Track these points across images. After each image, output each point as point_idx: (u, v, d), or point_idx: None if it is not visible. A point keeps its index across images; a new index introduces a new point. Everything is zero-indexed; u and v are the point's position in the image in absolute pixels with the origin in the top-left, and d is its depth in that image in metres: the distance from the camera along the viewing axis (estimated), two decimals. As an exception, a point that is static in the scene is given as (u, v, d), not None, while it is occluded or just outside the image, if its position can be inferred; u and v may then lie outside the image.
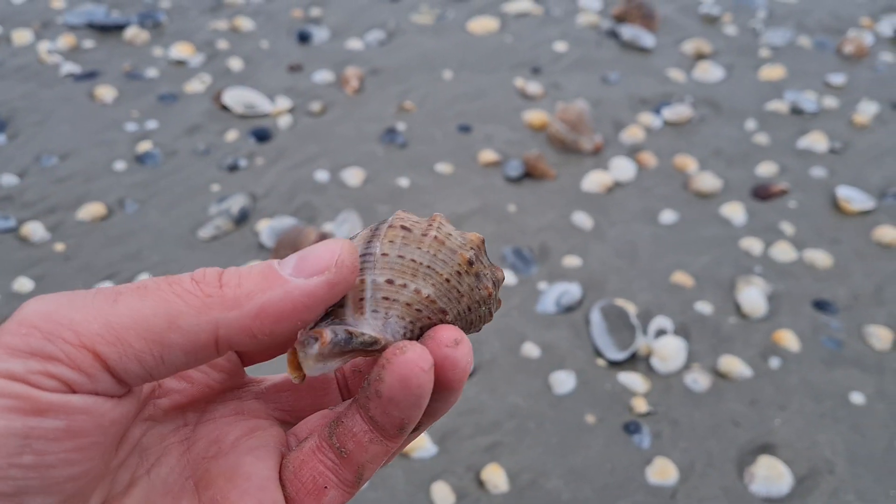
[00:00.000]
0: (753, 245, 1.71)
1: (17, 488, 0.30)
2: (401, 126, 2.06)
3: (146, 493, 0.37)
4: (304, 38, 2.45)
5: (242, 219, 1.76)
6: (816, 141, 2.01)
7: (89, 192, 1.85)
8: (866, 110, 2.14)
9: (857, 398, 1.40)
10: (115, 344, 0.31)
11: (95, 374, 0.31)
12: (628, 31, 2.42)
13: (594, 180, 1.87)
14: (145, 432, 0.38)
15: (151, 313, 0.32)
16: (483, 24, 2.50)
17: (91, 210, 1.78)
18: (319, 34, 2.47)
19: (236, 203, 1.77)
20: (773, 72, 2.29)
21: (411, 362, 0.34)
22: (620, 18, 2.49)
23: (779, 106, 2.16)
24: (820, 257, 1.68)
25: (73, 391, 0.30)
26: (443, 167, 1.92)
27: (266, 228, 1.71)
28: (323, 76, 2.26)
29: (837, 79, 2.27)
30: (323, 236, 1.64)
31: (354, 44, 2.42)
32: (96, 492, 0.34)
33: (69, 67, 2.30)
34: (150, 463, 0.38)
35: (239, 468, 0.39)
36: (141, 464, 0.37)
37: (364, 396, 0.37)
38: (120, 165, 1.92)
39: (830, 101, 2.18)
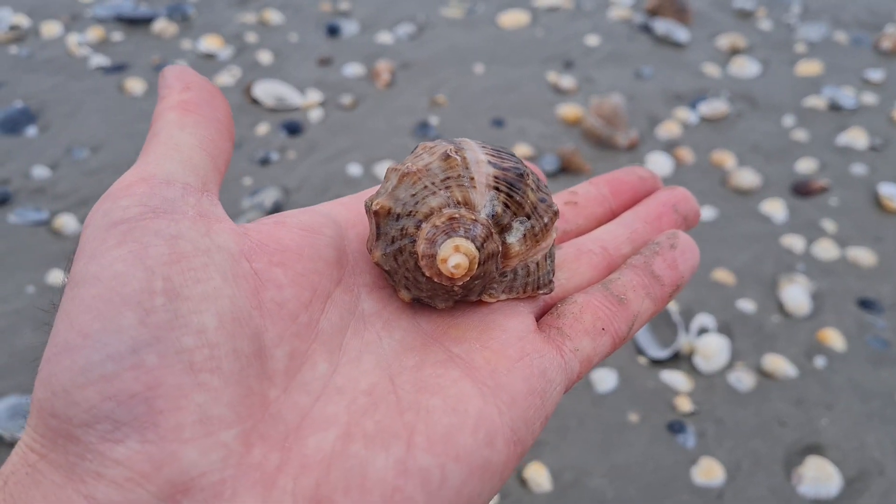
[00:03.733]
0: (795, 242, 1.68)
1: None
2: (433, 120, 2.04)
3: (383, 352, 0.36)
4: (333, 31, 2.44)
5: (276, 212, 1.75)
6: (856, 137, 1.98)
7: (121, 184, 1.84)
8: (906, 106, 2.11)
9: (905, 399, 1.37)
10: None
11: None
12: (662, 26, 2.38)
13: (630, 176, 1.84)
14: (365, 297, 0.38)
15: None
16: (514, 18, 2.48)
17: (124, 202, 1.77)
18: (349, 27, 2.46)
19: (269, 196, 1.76)
20: (809, 67, 2.26)
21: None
22: (653, 12, 2.46)
23: (816, 102, 2.12)
24: (863, 255, 1.65)
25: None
26: (476, 161, 1.90)
27: (300, 222, 1.69)
28: (353, 69, 2.25)
29: (875, 75, 2.23)
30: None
31: (384, 37, 2.40)
32: (318, 355, 0.34)
33: (98, 60, 2.30)
34: (379, 327, 0.37)
35: (491, 323, 0.38)
36: (367, 329, 0.37)
37: (650, 253, 0.42)
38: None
39: (869, 98, 2.14)
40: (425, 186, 0.37)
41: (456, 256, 0.35)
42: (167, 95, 0.38)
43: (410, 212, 0.36)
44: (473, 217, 0.36)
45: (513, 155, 0.39)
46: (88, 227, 0.32)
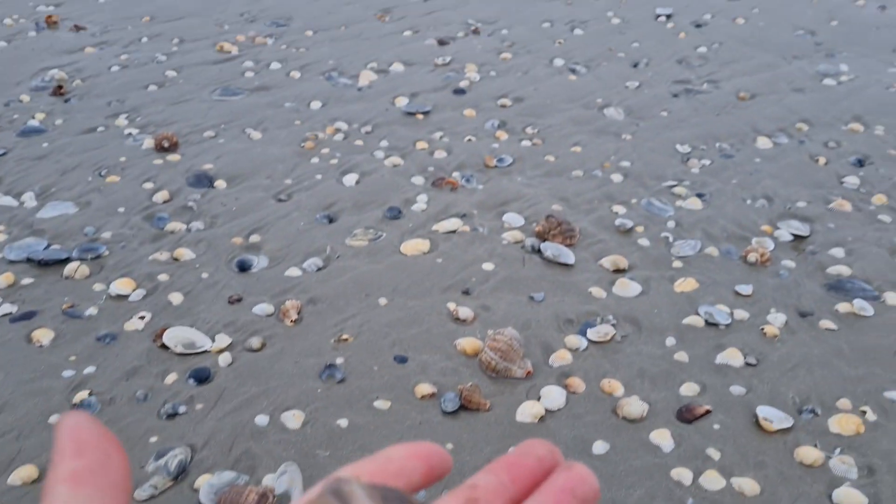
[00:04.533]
0: (683, 474, 1.78)
1: None
2: (339, 360, 2.12)
3: None
4: (243, 267, 2.54)
5: (181, 474, 1.76)
6: (732, 356, 2.14)
7: (21, 450, 1.83)
8: (775, 320, 2.30)
9: None
10: None
11: None
12: (550, 249, 2.58)
13: (526, 411, 1.94)
14: None
15: None
16: (415, 246, 2.64)
17: (23, 473, 1.75)
18: (258, 262, 2.57)
19: (174, 458, 1.78)
20: (686, 284, 2.46)
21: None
22: (542, 236, 2.66)
23: (694, 320, 2.30)
24: (748, 484, 1.75)
25: None
26: (380, 403, 1.97)
27: (205, 485, 1.71)
28: (262, 308, 2.33)
29: (745, 289, 2.44)
30: (263, 495, 1.65)
31: (293, 271, 2.52)
32: None
33: (6, 308, 2.33)
34: None
35: None
36: None
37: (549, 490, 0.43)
38: (55, 419, 1.92)
39: (741, 313, 2.34)
40: None
41: None
42: (59, 463, 0.37)
43: None
44: None
45: (402, 498, 0.44)
46: None
